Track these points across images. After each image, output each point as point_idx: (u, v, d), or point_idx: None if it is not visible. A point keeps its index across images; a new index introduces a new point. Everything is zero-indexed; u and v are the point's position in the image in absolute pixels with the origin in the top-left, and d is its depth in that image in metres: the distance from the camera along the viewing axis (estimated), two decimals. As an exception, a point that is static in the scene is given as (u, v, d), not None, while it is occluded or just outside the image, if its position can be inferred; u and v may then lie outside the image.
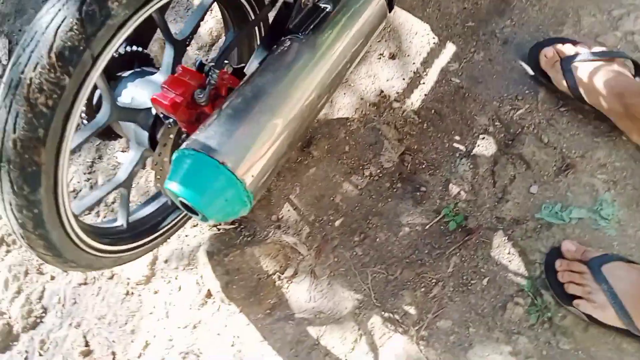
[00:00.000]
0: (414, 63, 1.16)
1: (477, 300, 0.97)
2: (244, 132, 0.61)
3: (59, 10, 0.55)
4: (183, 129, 0.72)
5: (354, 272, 1.04)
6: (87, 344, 1.16)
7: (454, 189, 1.04)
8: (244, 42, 0.90)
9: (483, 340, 0.94)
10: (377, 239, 1.05)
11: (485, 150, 1.05)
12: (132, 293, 1.16)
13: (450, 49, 1.15)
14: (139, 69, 0.78)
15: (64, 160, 0.60)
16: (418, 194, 1.06)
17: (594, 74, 0.97)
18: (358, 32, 0.75)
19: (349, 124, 1.13)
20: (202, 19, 0.75)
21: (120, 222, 0.86)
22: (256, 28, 0.89)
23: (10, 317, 1.20)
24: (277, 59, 0.69)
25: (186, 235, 1.15)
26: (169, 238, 1.00)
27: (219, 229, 1.14)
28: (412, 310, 0.99)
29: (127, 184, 0.80)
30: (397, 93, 1.14)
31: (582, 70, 0.98)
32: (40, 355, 1.17)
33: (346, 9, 0.74)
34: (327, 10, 0.71)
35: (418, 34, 1.17)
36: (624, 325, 0.85)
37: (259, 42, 0.86)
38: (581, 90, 0.98)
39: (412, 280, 1.01)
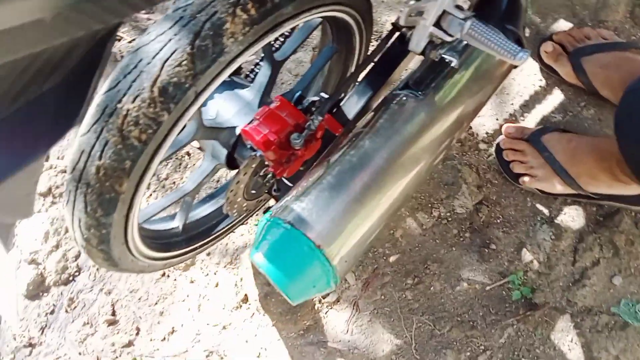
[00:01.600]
0: (512, 104, 1.05)
1: (524, 380, 0.91)
2: (346, 209, 0.54)
3: (170, 40, 0.47)
4: (267, 165, 0.65)
5: (399, 315, 0.99)
6: (114, 313, 1.15)
7: (527, 255, 0.96)
8: (336, 71, 0.80)
9: None
10: (432, 288, 0.99)
11: (572, 222, 0.96)
12: (169, 276, 1.13)
13: (557, 96, 1.03)
14: (228, 79, 0.71)
15: (144, 187, 0.55)
16: (486, 250, 0.98)
17: (607, 67, 0.93)
18: (481, 91, 0.66)
19: (428, 156, 1.04)
20: (304, 40, 0.67)
21: (177, 224, 0.81)
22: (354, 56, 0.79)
23: (44, 269, 1.20)
24: (390, 119, 0.60)
25: (233, 232, 1.10)
26: (218, 241, 0.95)
27: (267, 234, 1.09)
28: (452, 371, 0.94)
29: (193, 193, 0.75)
30: (487, 134, 1.04)
31: (594, 64, 0.94)
32: (67, 312, 1.17)
33: (472, 66, 0.64)
34: (452, 65, 0.61)
35: (524, 71, 1.06)
36: (570, 188, 0.90)
37: (358, 78, 0.77)
38: (596, 85, 0.96)
39: (459, 340, 0.95)
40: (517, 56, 0.53)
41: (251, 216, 1.00)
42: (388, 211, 0.58)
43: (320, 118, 0.60)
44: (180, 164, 1.19)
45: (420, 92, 0.62)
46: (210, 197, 0.92)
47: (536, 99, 1.04)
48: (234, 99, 0.69)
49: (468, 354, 0.94)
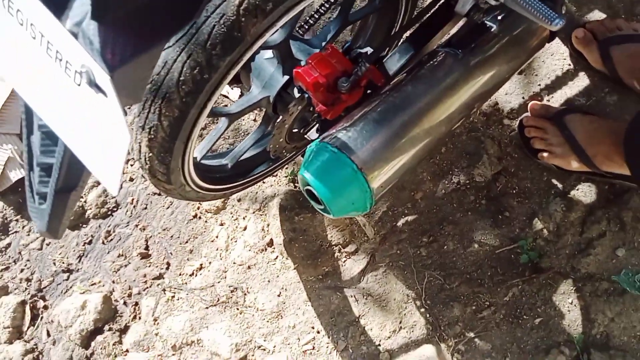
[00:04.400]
0: (539, 84, 1.11)
1: (524, 335, 0.99)
2: (386, 142, 0.62)
3: None
4: (315, 106, 0.73)
5: (412, 269, 1.07)
6: (147, 248, 1.24)
7: (538, 224, 1.03)
8: (382, 29, 0.87)
9: (516, 374, 0.97)
10: (445, 247, 1.06)
11: (583, 197, 1.02)
12: (200, 217, 1.22)
13: (582, 81, 1.09)
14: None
15: (257, 44, 0.58)
16: (500, 216, 1.05)
17: (633, 57, 0.98)
18: (515, 59, 0.73)
19: (453, 126, 1.11)
20: (372, 12, 0.74)
21: (196, 154, 0.85)
22: (400, 16, 0.86)
23: (85, 202, 1.29)
24: (431, 71, 0.67)
25: (263, 182, 1.18)
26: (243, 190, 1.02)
27: (296, 187, 1.17)
28: (457, 322, 1.02)
29: (233, 117, 0.81)
30: (512, 110, 1.10)
31: (621, 53, 0.99)
32: (103, 243, 1.27)
33: (510, 34, 0.71)
34: (492, 30, 0.68)
35: (554, 55, 1.11)
36: (585, 166, 0.96)
37: (402, 38, 0.83)
38: (620, 74, 1.01)
39: (466, 295, 1.03)
40: (554, 22, 0.59)
41: (279, 168, 1.07)
42: (422, 150, 0.66)
43: (367, 65, 0.68)
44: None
45: (460, 51, 0.69)
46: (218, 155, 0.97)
47: (563, 81, 1.10)
48: (300, 41, 0.77)
49: (474, 307, 1.02)
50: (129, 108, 1.16)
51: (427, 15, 0.74)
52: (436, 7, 0.73)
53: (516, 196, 1.06)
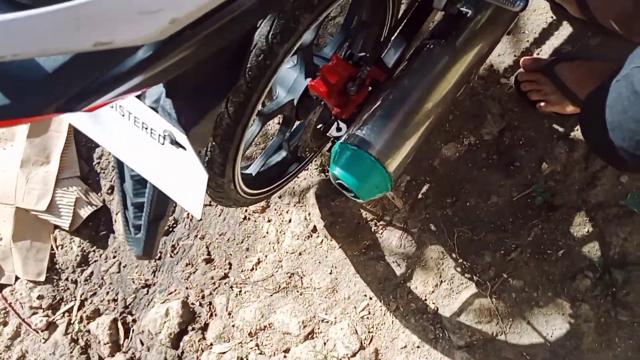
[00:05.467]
0: (527, 40, 1.21)
1: (550, 267, 1.11)
2: (394, 132, 0.75)
3: None
4: (331, 108, 0.86)
5: (442, 229, 1.20)
6: (209, 254, 1.42)
7: (546, 167, 1.14)
8: (374, 33, 0.99)
9: (549, 302, 1.10)
10: (468, 203, 1.19)
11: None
12: (249, 218, 1.38)
13: (566, 30, 1.18)
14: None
15: (296, 46, 0.68)
16: (512, 167, 1.17)
17: (607, 2, 1.06)
18: (493, 34, 0.84)
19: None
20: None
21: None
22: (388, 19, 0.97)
23: (148, 224, 1.47)
24: (421, 63, 0.79)
25: (297, 177, 1.33)
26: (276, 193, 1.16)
27: (326, 176, 1.31)
28: (490, 267, 1.15)
29: (265, 118, 0.92)
30: (506, 69, 1.21)
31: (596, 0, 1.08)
32: (171, 257, 1.45)
33: (484, 15, 0.82)
34: (468, 16, 0.79)
35: (537, 11, 1.21)
36: (579, 108, 1.04)
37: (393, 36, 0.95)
38: (598, 18, 1.10)
39: (494, 243, 1.16)
40: (515, 4, 0.71)
41: (308, 162, 1.21)
42: (425, 131, 0.78)
43: (367, 69, 0.80)
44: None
45: (443, 40, 0.81)
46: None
47: (548, 33, 1.20)
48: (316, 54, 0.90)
49: (502, 252, 1.15)
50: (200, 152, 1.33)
51: (410, 15, 0.86)
52: (416, 6, 0.85)
53: (523, 146, 1.17)
